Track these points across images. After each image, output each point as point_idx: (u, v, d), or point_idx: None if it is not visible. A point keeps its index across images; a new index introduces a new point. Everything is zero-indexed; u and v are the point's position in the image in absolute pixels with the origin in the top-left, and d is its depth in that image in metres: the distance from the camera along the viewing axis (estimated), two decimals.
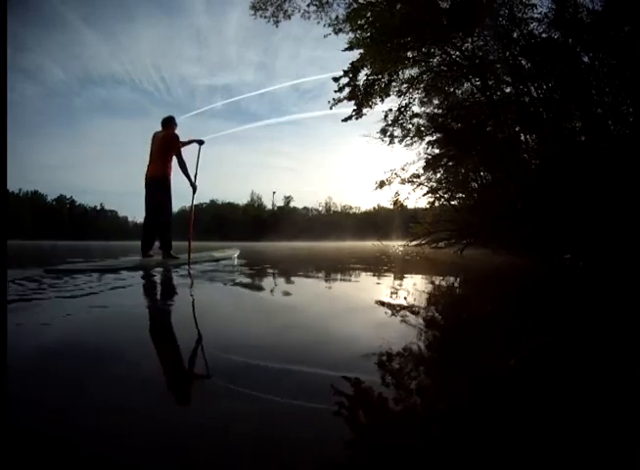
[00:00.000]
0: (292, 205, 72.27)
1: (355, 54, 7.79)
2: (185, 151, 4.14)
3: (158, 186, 3.92)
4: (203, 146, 4.27)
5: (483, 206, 7.61)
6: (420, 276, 3.44)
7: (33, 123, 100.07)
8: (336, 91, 8.25)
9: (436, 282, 3.03)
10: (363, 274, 3.60)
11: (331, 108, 8.44)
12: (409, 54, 7.60)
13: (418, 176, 9.05)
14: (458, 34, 6.99)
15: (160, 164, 3.93)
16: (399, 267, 4.54)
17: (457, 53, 7.45)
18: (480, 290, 2.77)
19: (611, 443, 0.60)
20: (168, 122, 4.14)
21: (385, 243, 13.87)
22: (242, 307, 1.86)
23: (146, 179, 3.96)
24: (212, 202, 72.50)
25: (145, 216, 4.00)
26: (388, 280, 3.09)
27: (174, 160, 4.01)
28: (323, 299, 2.21)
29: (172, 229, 4.06)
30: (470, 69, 7.25)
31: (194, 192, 4.14)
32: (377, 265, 4.68)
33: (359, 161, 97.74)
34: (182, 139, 4.13)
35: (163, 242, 4.02)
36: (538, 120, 6.01)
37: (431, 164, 8.87)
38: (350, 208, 71.82)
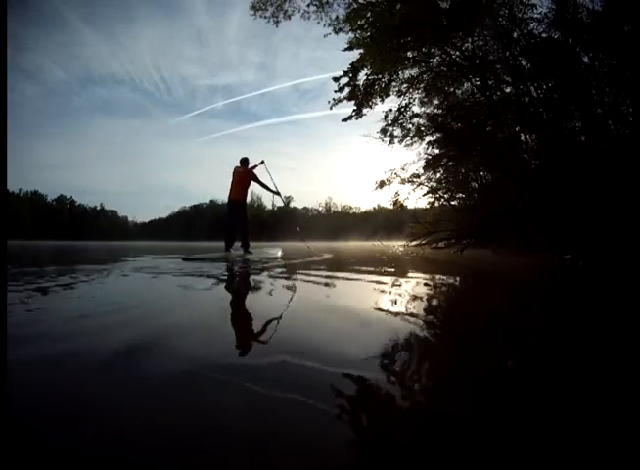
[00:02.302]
0: (292, 205, 72.38)
1: (355, 54, 7.82)
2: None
3: (239, 206, 5.76)
4: (265, 161, 6.03)
5: (483, 206, 7.61)
6: (427, 275, 3.44)
7: (33, 123, 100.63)
8: (336, 91, 8.26)
9: (439, 281, 3.03)
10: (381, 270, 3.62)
11: (331, 108, 8.46)
12: (409, 54, 7.60)
13: (418, 176, 9.05)
14: (458, 34, 7.00)
15: (240, 191, 5.77)
16: (403, 267, 4.55)
17: (457, 53, 7.45)
18: (479, 289, 2.76)
19: (611, 442, 0.60)
20: (246, 161, 5.91)
21: (385, 243, 13.87)
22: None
23: (229, 200, 5.77)
24: (212, 202, 72.47)
25: (226, 225, 5.87)
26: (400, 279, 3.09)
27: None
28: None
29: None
30: (470, 69, 7.25)
31: (280, 195, 6.11)
32: (379, 265, 4.69)
33: (359, 161, 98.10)
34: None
35: (244, 242, 5.79)
36: (538, 120, 6.00)
37: (431, 164, 8.86)
38: (350, 208, 71.95)
